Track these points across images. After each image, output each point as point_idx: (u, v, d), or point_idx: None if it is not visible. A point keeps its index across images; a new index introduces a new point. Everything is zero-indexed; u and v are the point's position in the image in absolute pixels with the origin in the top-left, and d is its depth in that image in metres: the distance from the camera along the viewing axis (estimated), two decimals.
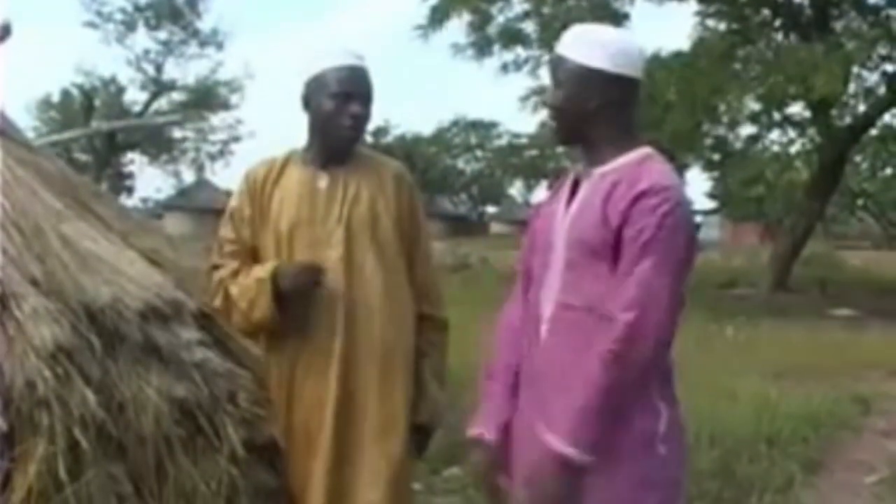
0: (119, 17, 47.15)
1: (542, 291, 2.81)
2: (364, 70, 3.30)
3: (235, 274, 3.28)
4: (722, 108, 21.37)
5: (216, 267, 3.35)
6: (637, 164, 2.70)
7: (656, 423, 2.64)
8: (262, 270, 3.20)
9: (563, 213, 2.80)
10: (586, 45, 2.75)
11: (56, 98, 54.97)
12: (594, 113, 2.74)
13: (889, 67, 21.62)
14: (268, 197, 3.31)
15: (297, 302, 3.19)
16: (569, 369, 2.68)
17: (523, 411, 2.86)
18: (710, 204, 47.10)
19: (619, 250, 2.61)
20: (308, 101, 3.30)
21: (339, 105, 3.23)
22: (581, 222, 2.70)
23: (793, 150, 24.99)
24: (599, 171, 2.74)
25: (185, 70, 52.22)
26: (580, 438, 2.55)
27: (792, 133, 24.44)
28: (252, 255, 3.32)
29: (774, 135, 24.63)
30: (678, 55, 22.00)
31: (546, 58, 20.08)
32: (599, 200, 2.66)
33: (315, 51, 3.35)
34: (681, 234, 2.61)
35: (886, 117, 22.78)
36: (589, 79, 2.72)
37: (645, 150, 2.75)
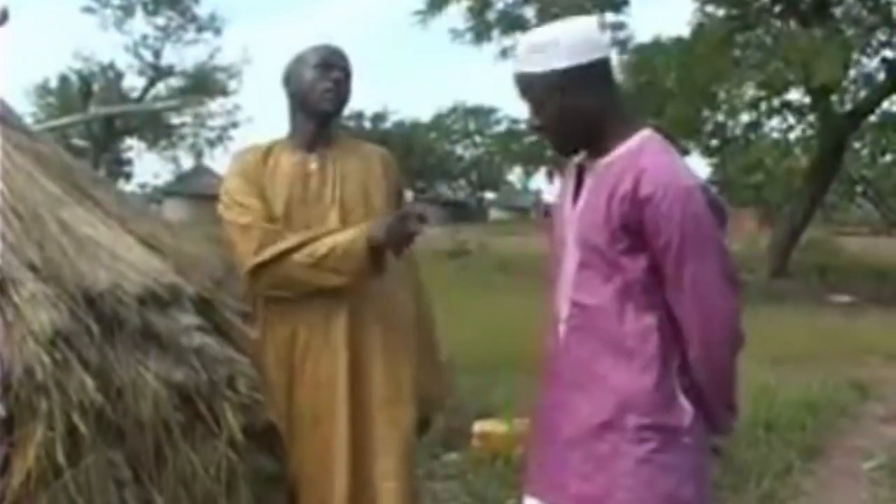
0: (117, 2, 47.13)
1: (558, 289, 2.79)
2: (341, 49, 3.38)
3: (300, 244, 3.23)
4: (721, 94, 21.36)
5: (264, 228, 3.26)
6: (636, 153, 2.64)
7: (681, 419, 2.64)
8: (345, 236, 3.18)
9: (570, 208, 2.76)
10: (545, 50, 2.65)
11: (54, 84, 54.82)
12: (591, 110, 2.67)
13: (888, 53, 21.63)
14: (259, 179, 3.32)
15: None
16: (584, 370, 2.68)
17: (545, 410, 2.84)
18: None
19: (629, 251, 2.60)
20: (288, 81, 3.37)
21: (320, 73, 3.30)
22: (588, 221, 2.67)
23: (792, 136, 25.00)
24: (602, 162, 2.69)
25: (183, 55, 52.21)
26: (730, 419, 2.87)
27: (791, 120, 24.44)
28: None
29: (774, 121, 24.63)
30: (678, 41, 21.99)
31: None
32: (604, 200, 2.63)
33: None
34: (702, 220, 2.59)
35: (886, 104, 22.79)
36: (571, 80, 2.63)
37: (644, 134, 2.69)
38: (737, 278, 2.68)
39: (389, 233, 3.12)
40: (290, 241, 3.21)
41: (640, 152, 2.64)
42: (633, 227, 2.58)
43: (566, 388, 2.73)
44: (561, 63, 2.62)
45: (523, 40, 2.77)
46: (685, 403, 2.64)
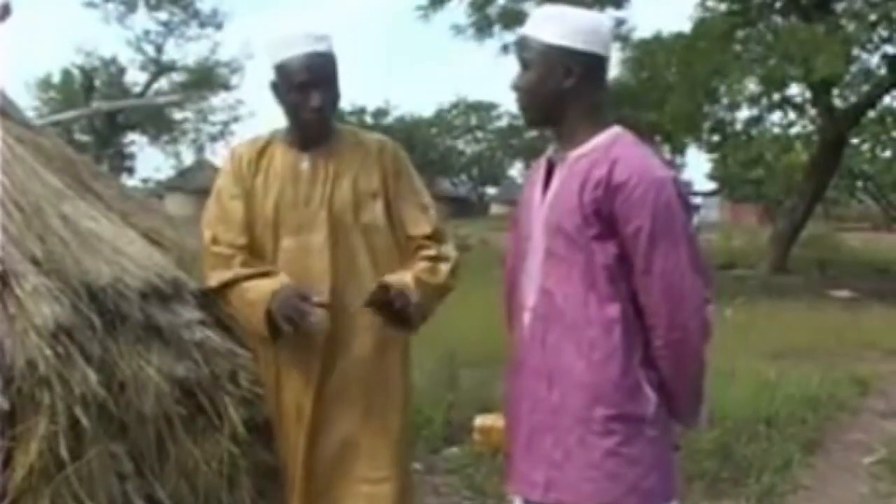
0: None
1: (524, 280, 2.83)
2: (326, 55, 3.28)
3: (242, 264, 3.22)
4: (722, 89, 21.34)
5: (215, 252, 3.26)
6: (609, 145, 2.71)
7: (645, 408, 2.68)
8: (262, 290, 3.15)
9: (539, 200, 2.81)
10: (556, 24, 2.74)
11: (56, 78, 54.76)
12: (567, 93, 2.73)
13: (889, 49, 21.58)
14: (252, 177, 3.30)
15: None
16: (549, 358, 2.72)
17: (512, 399, 2.88)
18: (710, 185, 47.05)
19: (599, 237, 2.65)
20: (276, 87, 3.30)
21: (302, 96, 3.22)
22: (558, 210, 2.72)
23: (793, 131, 24.96)
24: (573, 154, 2.74)
25: (185, 51, 52.27)
26: (696, 410, 2.81)
27: (792, 115, 24.41)
28: (247, 232, 3.27)
29: (775, 117, 24.59)
30: (679, 36, 21.95)
31: None
32: (576, 187, 2.68)
33: (280, 36, 3.31)
34: (674, 210, 2.64)
35: (886, 99, 22.75)
36: (561, 58, 2.71)
37: (615, 130, 2.76)
38: (705, 270, 2.72)
39: (280, 306, 3.09)
40: (231, 273, 3.21)
41: (613, 145, 2.71)
42: (604, 214, 2.63)
43: (532, 376, 2.77)
44: (560, 40, 2.71)
45: (545, 8, 2.84)
46: (650, 392, 2.68)
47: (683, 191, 2.73)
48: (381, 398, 3.26)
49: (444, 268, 3.34)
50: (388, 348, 3.29)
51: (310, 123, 3.27)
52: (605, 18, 2.90)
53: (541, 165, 2.88)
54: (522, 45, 2.80)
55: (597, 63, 2.76)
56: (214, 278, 3.25)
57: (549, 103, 2.77)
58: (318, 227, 3.25)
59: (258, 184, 3.29)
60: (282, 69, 3.25)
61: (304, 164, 3.30)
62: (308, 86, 3.22)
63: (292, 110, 3.27)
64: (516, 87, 2.82)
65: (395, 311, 3.17)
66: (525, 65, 2.78)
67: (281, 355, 3.23)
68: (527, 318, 2.79)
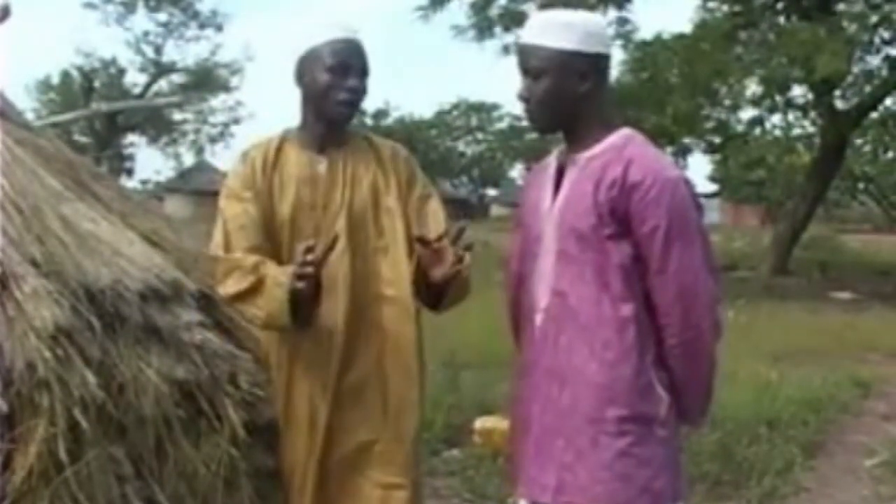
0: None
1: (535, 281, 2.82)
2: (359, 43, 3.23)
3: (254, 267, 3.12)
4: (723, 90, 21.36)
5: (229, 259, 3.17)
6: (622, 146, 2.72)
7: (657, 408, 2.68)
8: (276, 278, 3.05)
9: (549, 201, 2.80)
10: (564, 29, 2.73)
11: (56, 80, 54.88)
12: (583, 96, 2.73)
13: (891, 51, 21.60)
14: (267, 180, 3.24)
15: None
16: (562, 359, 2.72)
17: (522, 401, 2.87)
18: (711, 187, 47.08)
19: (613, 237, 2.65)
20: (301, 76, 3.22)
21: (336, 78, 3.15)
22: (572, 211, 2.72)
23: (794, 133, 24.98)
24: (585, 155, 2.74)
25: (185, 52, 52.32)
26: (705, 409, 2.86)
27: (793, 117, 24.43)
28: (263, 232, 3.19)
29: (776, 118, 24.61)
30: (680, 37, 21.97)
31: None
32: (590, 187, 2.68)
33: (309, 26, 3.26)
34: (688, 209, 2.67)
35: (888, 101, 22.76)
36: (576, 62, 2.71)
37: (626, 131, 2.77)
38: (717, 269, 2.75)
39: (293, 272, 2.97)
40: (247, 282, 3.11)
41: (625, 146, 2.72)
42: (619, 214, 2.64)
43: (544, 377, 2.77)
44: (573, 45, 2.71)
45: (542, 15, 2.84)
46: (662, 392, 2.69)
47: (693, 191, 2.75)
48: (398, 403, 3.23)
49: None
50: (404, 352, 3.25)
51: (338, 109, 3.19)
52: (600, 17, 2.91)
53: (548, 167, 2.87)
54: (529, 54, 2.77)
55: (605, 63, 2.78)
56: (232, 285, 3.14)
57: (566, 109, 2.76)
58: (337, 230, 3.17)
59: (274, 187, 3.24)
60: (312, 53, 3.18)
61: (322, 167, 3.25)
62: (341, 69, 3.16)
63: (320, 96, 3.18)
64: (525, 98, 2.80)
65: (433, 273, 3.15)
66: (536, 74, 2.75)
67: (295, 358, 3.20)
68: (539, 319, 2.79)
